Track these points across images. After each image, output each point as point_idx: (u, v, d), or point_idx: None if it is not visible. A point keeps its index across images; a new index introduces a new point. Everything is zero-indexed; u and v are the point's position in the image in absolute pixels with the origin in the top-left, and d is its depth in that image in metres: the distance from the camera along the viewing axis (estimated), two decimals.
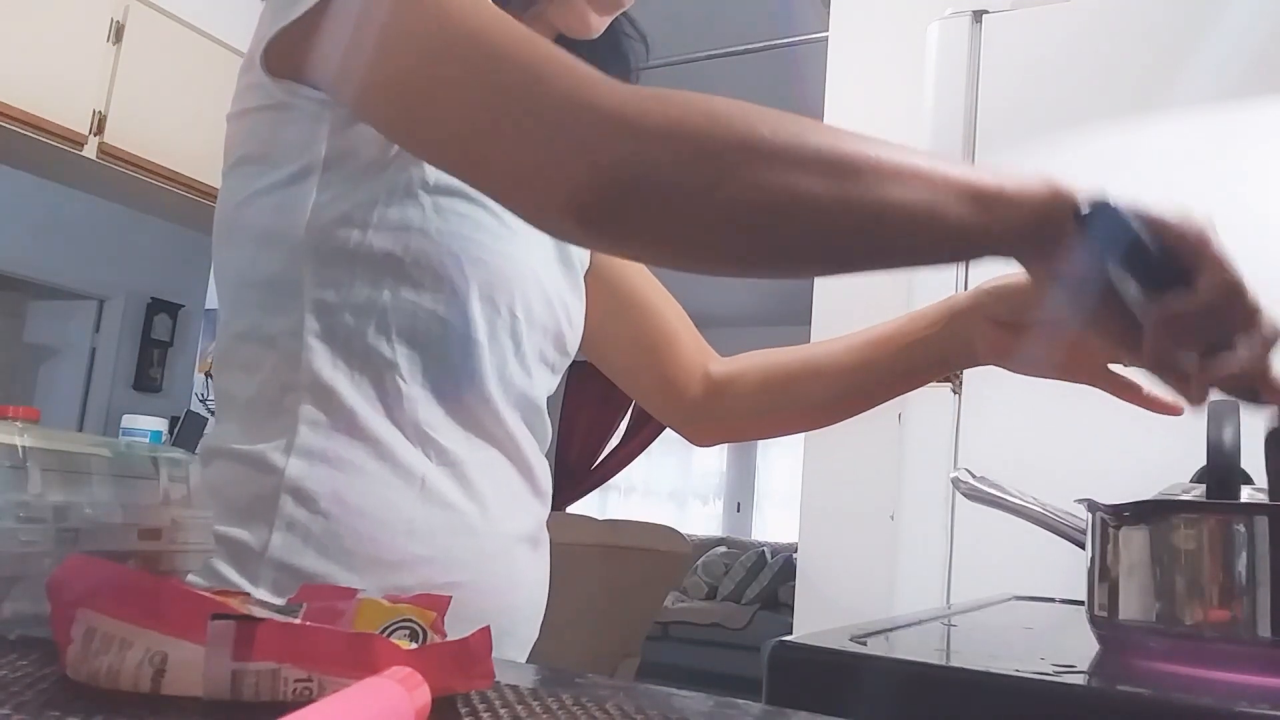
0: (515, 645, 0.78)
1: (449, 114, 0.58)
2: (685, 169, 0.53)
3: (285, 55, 0.67)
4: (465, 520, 0.72)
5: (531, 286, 0.77)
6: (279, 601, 0.61)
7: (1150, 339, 0.57)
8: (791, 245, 0.56)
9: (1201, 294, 0.55)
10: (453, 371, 0.72)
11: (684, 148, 0.53)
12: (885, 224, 0.55)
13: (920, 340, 0.84)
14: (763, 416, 0.97)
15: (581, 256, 0.87)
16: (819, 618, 2.21)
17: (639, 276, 0.96)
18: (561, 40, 0.82)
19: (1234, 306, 0.56)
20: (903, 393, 0.90)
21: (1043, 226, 0.56)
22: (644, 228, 0.55)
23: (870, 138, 0.55)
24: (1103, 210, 0.55)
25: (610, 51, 0.88)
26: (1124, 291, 0.57)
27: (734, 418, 0.97)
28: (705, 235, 0.55)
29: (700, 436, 1.00)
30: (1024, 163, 1.64)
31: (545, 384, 0.81)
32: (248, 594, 0.63)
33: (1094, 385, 0.78)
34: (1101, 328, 0.60)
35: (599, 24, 0.79)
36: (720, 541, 7.32)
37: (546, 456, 0.82)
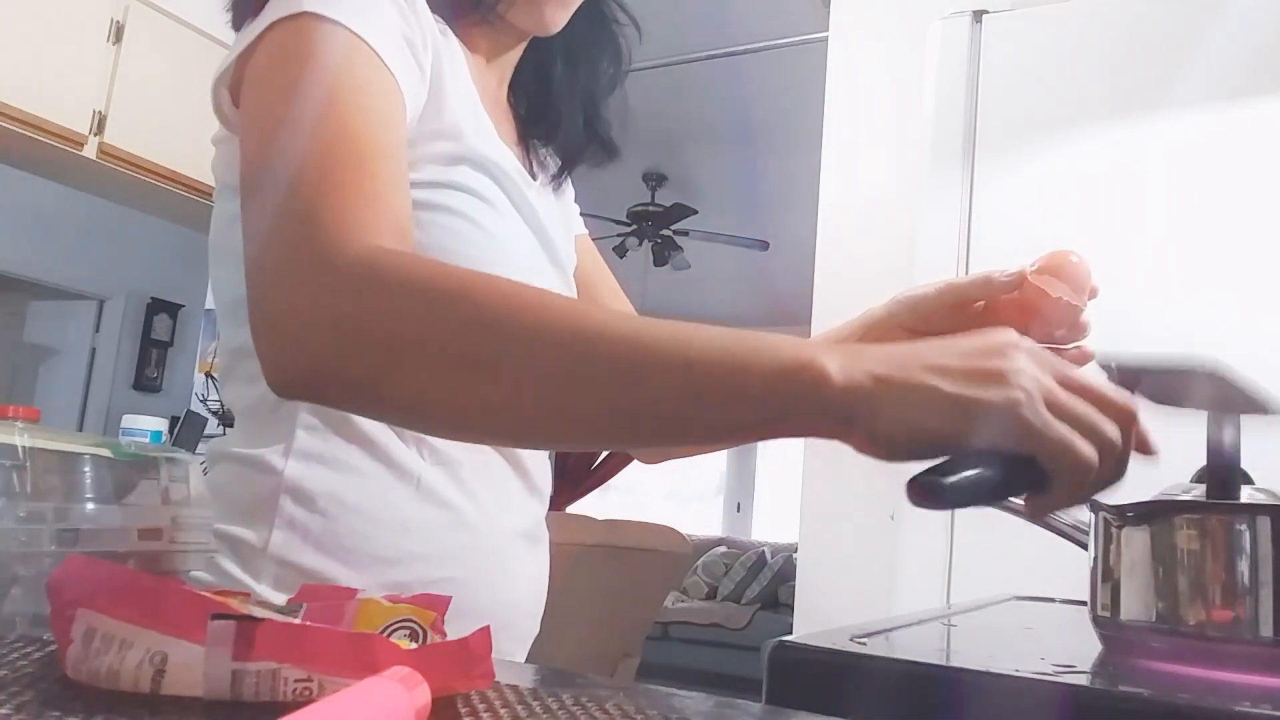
0: (515, 639, 0.79)
1: (251, 229, 0.57)
2: (426, 333, 0.49)
3: (236, 92, 0.68)
4: (461, 517, 0.74)
5: None
6: (281, 597, 0.62)
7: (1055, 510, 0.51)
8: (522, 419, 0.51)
9: (1058, 488, 0.48)
10: None
11: (430, 316, 0.49)
12: (611, 421, 0.50)
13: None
14: None
15: (569, 254, 0.87)
16: (819, 618, 2.21)
17: (604, 288, 0.97)
18: (538, 38, 0.82)
19: (1088, 465, 0.48)
20: None
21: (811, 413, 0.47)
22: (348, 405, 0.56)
23: (643, 332, 0.48)
24: (928, 486, 0.49)
25: (597, 41, 0.88)
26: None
27: None
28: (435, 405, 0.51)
29: (648, 454, 1.02)
30: (1024, 163, 1.64)
31: None
32: (248, 594, 0.63)
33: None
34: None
35: (557, 18, 0.79)
36: (720, 541, 7.32)
37: (544, 456, 0.82)
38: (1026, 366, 0.48)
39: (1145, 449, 0.52)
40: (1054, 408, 0.47)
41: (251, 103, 0.63)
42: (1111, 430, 0.49)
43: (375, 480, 0.71)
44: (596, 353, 0.48)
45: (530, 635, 0.81)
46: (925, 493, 0.49)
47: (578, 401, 0.49)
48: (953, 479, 0.48)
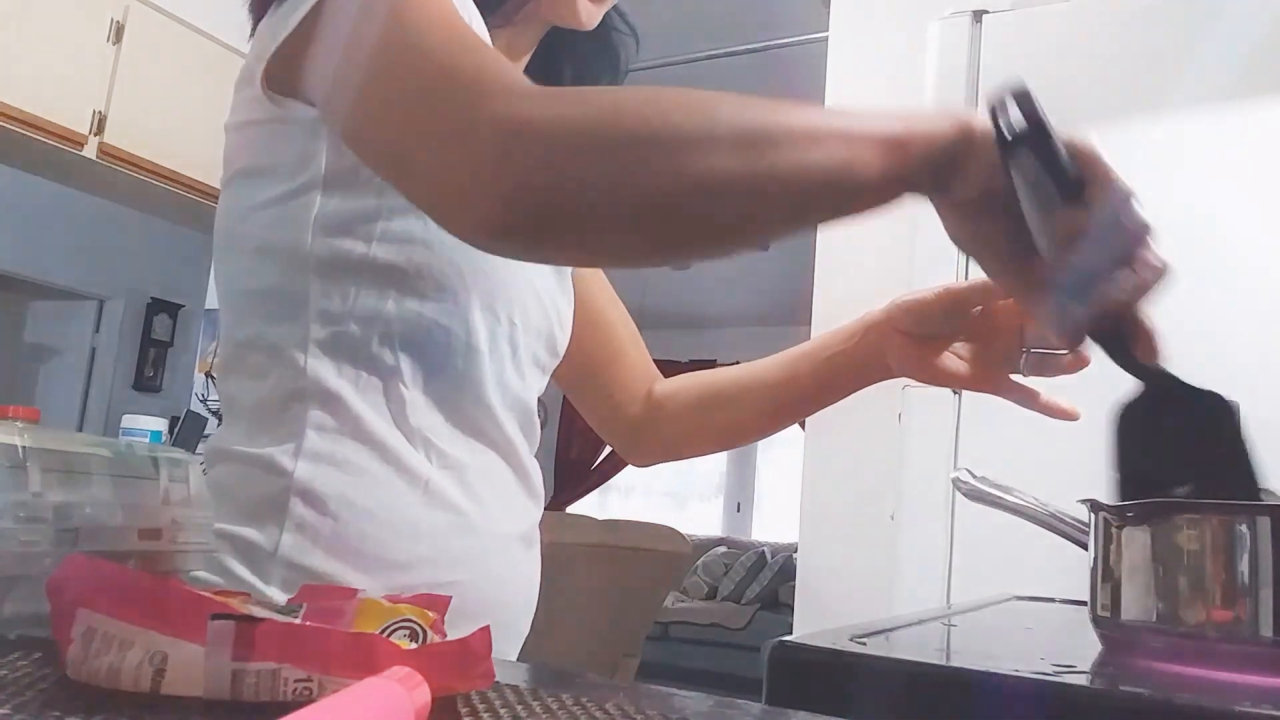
0: (511, 640, 0.79)
1: (386, 132, 0.59)
2: (596, 168, 0.53)
3: (281, 74, 0.68)
4: (466, 521, 0.74)
5: (528, 294, 0.78)
6: (287, 599, 0.61)
7: (1039, 268, 0.60)
8: (717, 225, 0.56)
9: (1100, 209, 0.58)
10: (454, 378, 0.74)
11: (594, 146, 0.53)
12: (805, 189, 0.56)
13: (838, 354, 0.88)
14: (694, 432, 1.00)
15: None
16: (819, 618, 2.21)
17: (598, 288, 0.97)
18: (555, 34, 0.83)
19: (1120, 225, 0.58)
20: (827, 405, 0.93)
21: (951, 158, 0.58)
22: (563, 231, 0.55)
23: (780, 103, 0.56)
24: (1022, 96, 0.59)
25: (600, 47, 0.89)
26: (1024, 207, 0.59)
27: (668, 435, 1.00)
28: (624, 231, 0.55)
29: (638, 455, 1.02)
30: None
31: (537, 386, 0.83)
32: (248, 594, 0.63)
33: (995, 394, 0.82)
34: (995, 251, 0.63)
35: (593, 14, 0.80)
36: (720, 541, 7.33)
37: (545, 456, 0.83)
38: None
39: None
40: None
41: (344, 24, 0.63)
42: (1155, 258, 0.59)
43: (385, 483, 0.70)
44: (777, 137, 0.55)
45: (523, 635, 0.81)
46: (1015, 96, 0.58)
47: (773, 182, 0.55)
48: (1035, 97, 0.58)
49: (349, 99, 0.61)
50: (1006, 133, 0.58)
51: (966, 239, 0.64)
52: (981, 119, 0.59)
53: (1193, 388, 0.62)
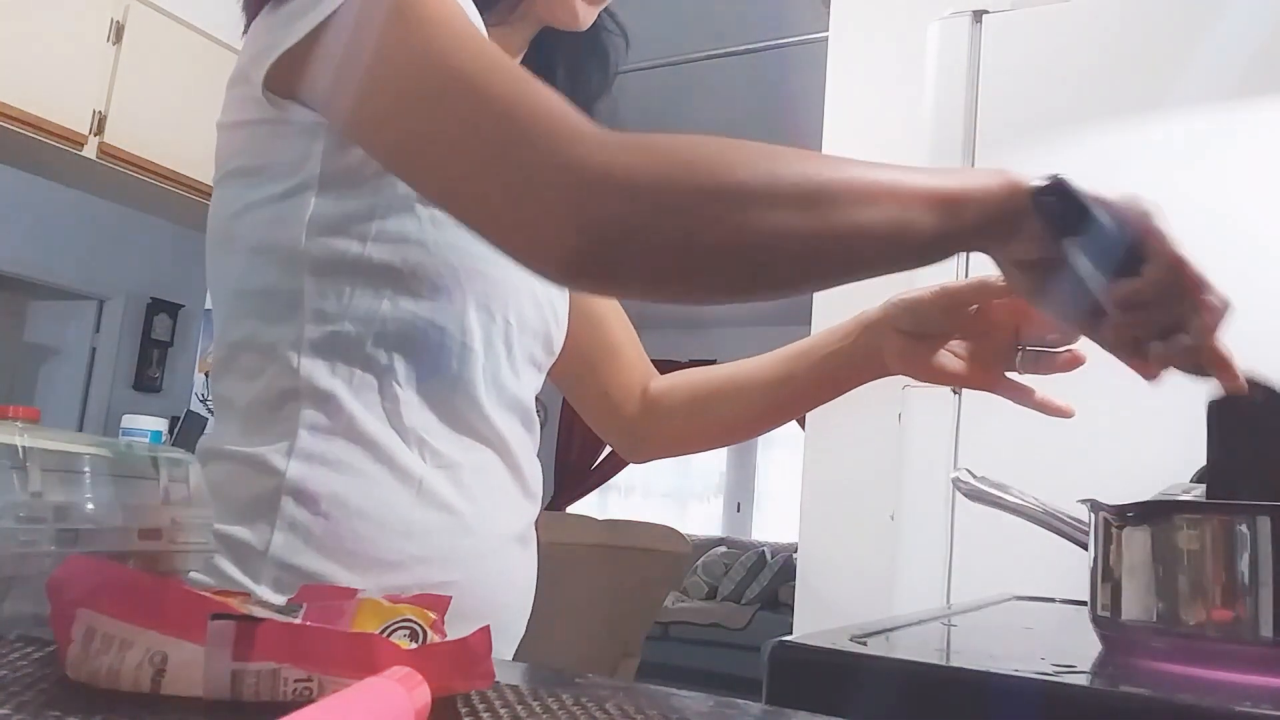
0: (507, 640, 0.79)
1: (437, 162, 0.60)
2: (669, 221, 0.56)
3: (284, 76, 0.67)
4: (460, 521, 0.73)
5: (524, 293, 0.78)
6: (280, 599, 0.61)
7: (1109, 322, 0.62)
8: (775, 276, 0.59)
9: (1148, 276, 0.60)
10: (449, 378, 0.74)
11: (669, 202, 0.56)
12: (862, 244, 0.59)
13: (834, 352, 0.89)
14: (689, 430, 1.00)
15: None
16: (819, 618, 2.21)
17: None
18: (546, 34, 0.83)
19: (1179, 285, 0.60)
20: (822, 403, 0.93)
21: (1004, 219, 0.61)
22: (632, 276, 0.58)
23: (840, 159, 0.59)
24: (1057, 185, 0.60)
25: (591, 48, 0.89)
26: (1081, 274, 0.61)
27: (664, 432, 1.00)
28: (691, 279, 0.58)
29: (634, 453, 1.03)
30: (1024, 163, 1.64)
31: (534, 384, 0.83)
32: (248, 594, 0.63)
33: (991, 391, 0.82)
34: (1062, 309, 0.66)
35: (588, 15, 0.80)
36: (720, 541, 7.32)
37: (545, 456, 0.83)
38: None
39: (1218, 362, 0.62)
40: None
41: (371, 38, 0.63)
42: (1217, 301, 0.60)
43: (378, 482, 0.70)
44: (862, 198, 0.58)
45: (519, 636, 0.81)
46: (1050, 188, 0.60)
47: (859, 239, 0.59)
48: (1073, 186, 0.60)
49: (378, 121, 0.62)
50: (1053, 228, 0.60)
51: (1030, 295, 0.67)
52: (1032, 180, 0.61)
53: None
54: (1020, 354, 0.80)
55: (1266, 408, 0.64)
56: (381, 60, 0.61)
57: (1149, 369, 0.63)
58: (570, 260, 0.56)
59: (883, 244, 0.59)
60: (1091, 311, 0.62)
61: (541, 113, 0.57)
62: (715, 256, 0.57)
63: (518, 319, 0.77)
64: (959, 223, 0.60)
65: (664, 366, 0.99)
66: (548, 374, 0.89)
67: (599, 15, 0.84)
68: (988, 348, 0.82)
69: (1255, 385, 0.63)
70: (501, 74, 0.59)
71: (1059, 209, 0.60)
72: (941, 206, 0.59)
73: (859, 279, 0.63)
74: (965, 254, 0.63)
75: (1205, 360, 0.61)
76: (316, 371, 0.70)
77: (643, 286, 0.60)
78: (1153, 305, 0.60)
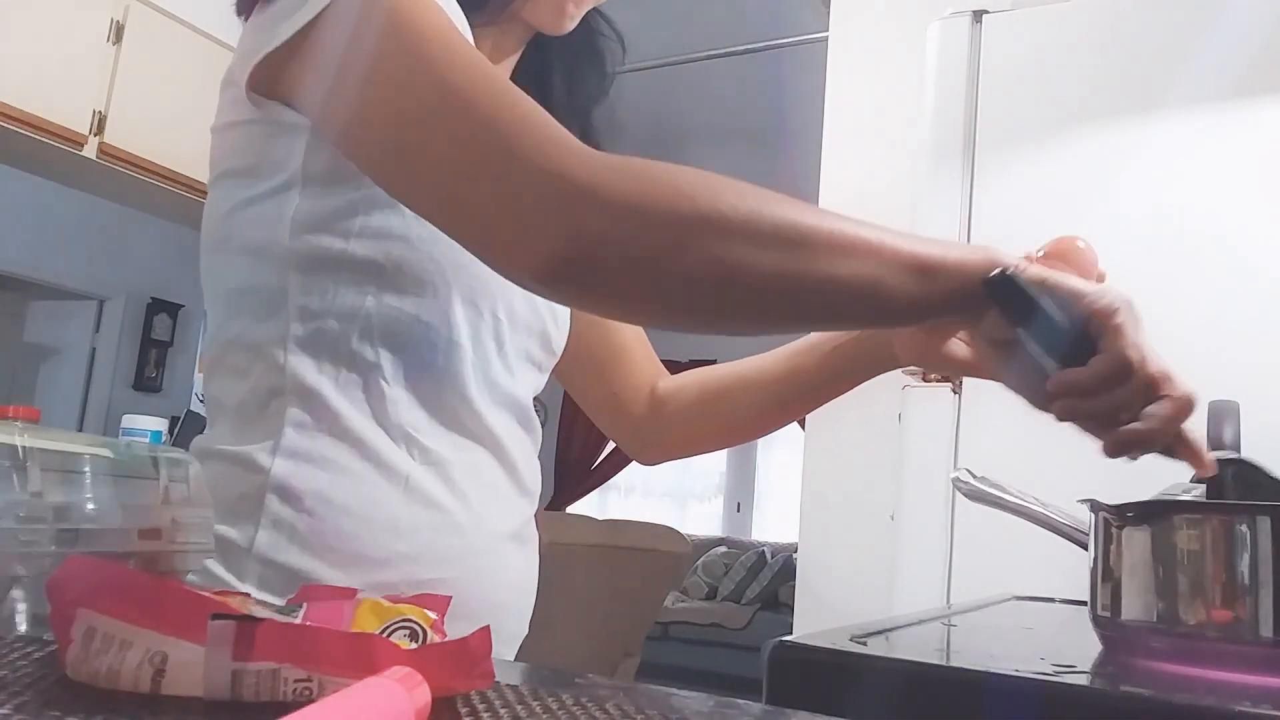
0: (503, 641, 0.78)
1: (425, 174, 0.61)
2: (649, 241, 0.57)
3: (267, 79, 0.68)
4: (449, 518, 0.73)
5: (513, 289, 0.77)
6: (265, 597, 0.61)
7: (1055, 404, 0.62)
8: (743, 311, 0.61)
9: (1092, 367, 0.60)
10: (436, 374, 0.74)
11: (650, 221, 0.57)
12: (835, 294, 0.60)
13: (843, 344, 0.88)
14: (698, 430, 1.00)
15: None
16: (819, 618, 2.21)
17: None
18: (542, 40, 0.83)
19: (1125, 384, 0.59)
20: (831, 397, 0.93)
21: (977, 295, 0.61)
22: (609, 292, 0.60)
23: (827, 212, 0.60)
24: (1002, 279, 0.60)
25: (586, 52, 0.89)
26: (1035, 357, 0.61)
27: (672, 433, 1.00)
28: (665, 300, 0.60)
29: (644, 454, 1.02)
30: (1024, 162, 1.64)
31: (532, 383, 0.82)
32: (248, 594, 0.63)
33: (998, 380, 0.81)
34: (1021, 389, 0.66)
35: (574, 16, 0.80)
36: (720, 541, 7.32)
37: (545, 456, 0.82)
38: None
39: (1198, 461, 0.61)
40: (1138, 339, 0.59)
41: (359, 51, 0.63)
42: (1180, 397, 0.59)
43: (363, 479, 0.70)
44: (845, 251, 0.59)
45: (519, 636, 0.80)
46: (996, 280, 0.60)
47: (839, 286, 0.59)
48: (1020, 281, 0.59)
49: (367, 133, 0.63)
50: (1003, 315, 0.61)
51: (995, 371, 0.67)
52: (1012, 257, 0.61)
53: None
54: None
55: (1239, 482, 0.64)
56: (369, 70, 0.62)
57: (1106, 449, 0.62)
58: (551, 268, 0.57)
59: (854, 297, 0.60)
60: (1046, 393, 0.63)
61: (529, 125, 0.59)
62: (689, 282, 0.58)
63: (508, 315, 0.77)
64: (933, 290, 0.60)
65: (664, 365, 0.99)
66: (553, 374, 0.88)
67: (594, 20, 0.84)
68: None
69: (1225, 463, 0.64)
70: (489, 86, 0.60)
71: (1005, 299, 0.60)
72: (918, 271, 0.60)
73: (829, 329, 0.64)
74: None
75: (1175, 447, 0.61)
76: (303, 369, 0.70)
77: (618, 302, 0.61)
78: (1095, 395, 0.60)
